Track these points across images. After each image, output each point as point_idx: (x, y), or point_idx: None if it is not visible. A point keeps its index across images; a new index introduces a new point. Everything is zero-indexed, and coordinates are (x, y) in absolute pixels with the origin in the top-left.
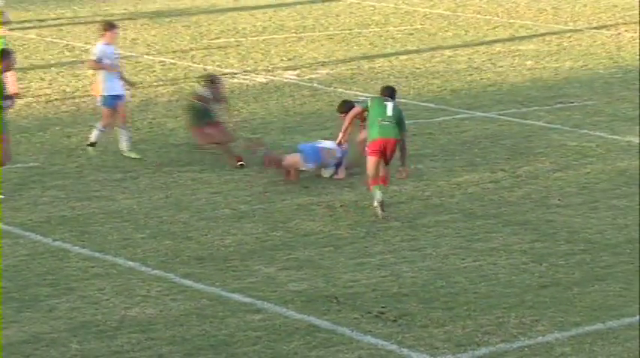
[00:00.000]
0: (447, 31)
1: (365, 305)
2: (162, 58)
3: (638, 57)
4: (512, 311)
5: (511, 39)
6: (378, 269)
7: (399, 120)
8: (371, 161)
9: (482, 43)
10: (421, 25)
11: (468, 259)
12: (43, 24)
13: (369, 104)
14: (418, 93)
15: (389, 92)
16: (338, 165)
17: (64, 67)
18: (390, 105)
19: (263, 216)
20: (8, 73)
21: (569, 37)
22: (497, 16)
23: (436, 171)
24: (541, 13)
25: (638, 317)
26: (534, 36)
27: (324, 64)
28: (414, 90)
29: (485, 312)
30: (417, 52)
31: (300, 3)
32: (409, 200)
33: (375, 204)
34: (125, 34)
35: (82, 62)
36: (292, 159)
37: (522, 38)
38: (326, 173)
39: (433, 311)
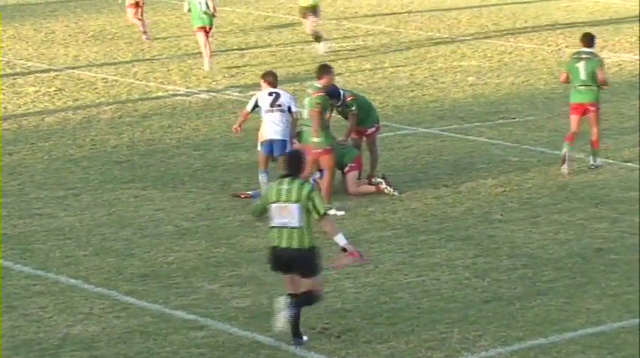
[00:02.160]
0: (388, 47)
1: (309, 321)
2: (104, 75)
3: None
4: (456, 326)
5: (452, 55)
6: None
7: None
8: None
9: (423, 60)
10: (363, 41)
11: (411, 274)
12: None
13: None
14: None
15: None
16: None
17: (5, 85)
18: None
19: (206, 233)
20: None
21: (510, 53)
22: (439, 32)
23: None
24: (482, 29)
25: (579, 331)
26: (475, 52)
27: None
28: None
29: (428, 328)
30: (359, 68)
31: (243, 20)
32: (352, 216)
33: None
34: (67, 51)
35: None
36: None
37: (464, 54)
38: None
39: (377, 327)
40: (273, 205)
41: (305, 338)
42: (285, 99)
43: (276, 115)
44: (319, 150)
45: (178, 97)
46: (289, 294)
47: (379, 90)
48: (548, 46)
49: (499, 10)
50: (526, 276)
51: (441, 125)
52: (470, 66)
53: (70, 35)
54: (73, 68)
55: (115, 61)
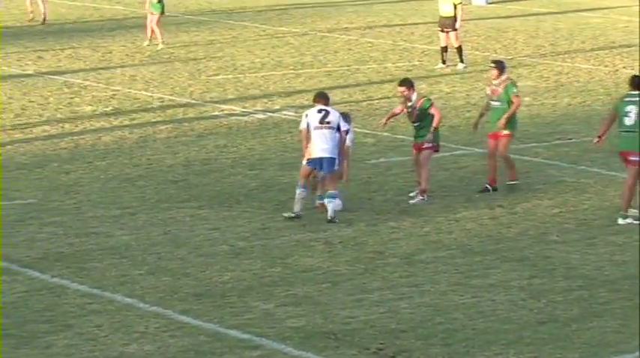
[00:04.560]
0: (446, 66)
1: (363, 341)
2: (160, 95)
3: None
4: (511, 347)
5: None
6: (376, 306)
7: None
8: None
9: (479, 80)
10: (419, 61)
11: (466, 295)
12: (41, 59)
13: None
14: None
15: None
16: None
17: (63, 104)
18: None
19: (261, 252)
20: None
21: (567, 73)
22: (495, 52)
23: (434, 207)
24: (538, 49)
25: (637, 353)
26: (532, 72)
27: None
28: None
29: (483, 349)
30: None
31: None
32: (407, 236)
33: None
34: (124, 71)
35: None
36: None
37: (520, 75)
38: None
39: (431, 348)
40: None
41: None
42: (334, 117)
43: (325, 133)
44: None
45: (234, 117)
46: None
47: None
48: (605, 66)
49: (556, 30)
50: (582, 298)
51: None
52: (526, 86)
53: (127, 55)
54: (130, 88)
55: (171, 80)
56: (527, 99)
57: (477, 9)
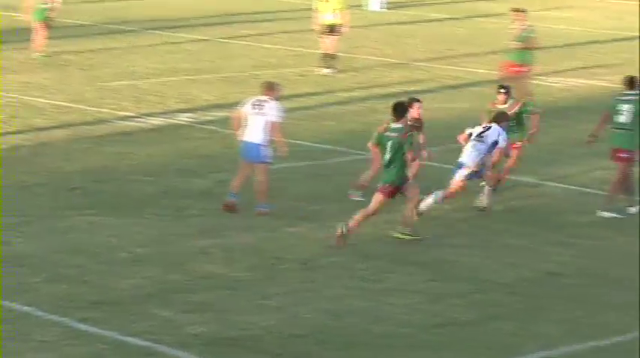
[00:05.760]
0: (342, 72)
1: (263, 347)
2: (56, 102)
3: None
4: (410, 351)
5: (404, 79)
6: (275, 311)
7: None
8: None
9: (375, 85)
10: (314, 66)
11: (364, 300)
12: None
13: None
14: (313, 134)
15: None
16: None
17: None
18: None
19: (160, 259)
20: None
21: (463, 77)
22: (391, 58)
23: (331, 212)
24: (435, 53)
25: (529, 356)
26: (428, 76)
27: (218, 106)
28: (308, 132)
29: (382, 353)
30: (311, 94)
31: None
32: (305, 242)
33: None
34: (17, 77)
35: None
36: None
37: (418, 79)
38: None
39: (330, 353)
40: None
41: None
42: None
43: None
44: None
45: (131, 123)
46: None
47: (332, 115)
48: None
49: (453, 35)
50: (479, 301)
51: None
52: (421, 90)
53: (20, 62)
54: (24, 94)
55: (67, 87)
56: (425, 104)
57: (373, 14)
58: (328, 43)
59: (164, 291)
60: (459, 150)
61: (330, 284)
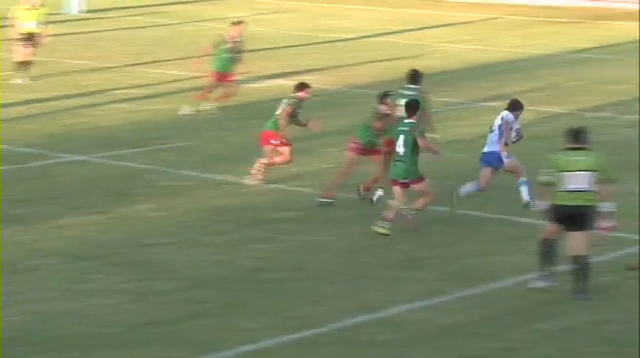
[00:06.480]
0: (43, 77)
1: None
2: None
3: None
4: (119, 349)
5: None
6: None
7: None
8: None
9: (74, 88)
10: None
11: (71, 301)
12: None
13: None
14: (14, 138)
15: None
16: None
17: None
18: None
19: None
20: None
21: (166, 81)
22: (91, 61)
23: (36, 215)
24: (133, 57)
25: (234, 350)
26: (127, 79)
27: None
28: (8, 136)
29: (91, 353)
30: (10, 99)
31: None
32: (11, 245)
33: None
34: None
35: None
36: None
37: (116, 82)
38: None
39: (39, 355)
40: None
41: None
42: None
43: None
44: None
45: None
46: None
47: (33, 119)
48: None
49: (155, 38)
50: (184, 298)
51: (96, 152)
52: (122, 93)
53: None
54: None
55: None
56: (125, 105)
57: (71, 18)
58: (26, 52)
59: None
60: (162, 151)
61: (38, 286)
